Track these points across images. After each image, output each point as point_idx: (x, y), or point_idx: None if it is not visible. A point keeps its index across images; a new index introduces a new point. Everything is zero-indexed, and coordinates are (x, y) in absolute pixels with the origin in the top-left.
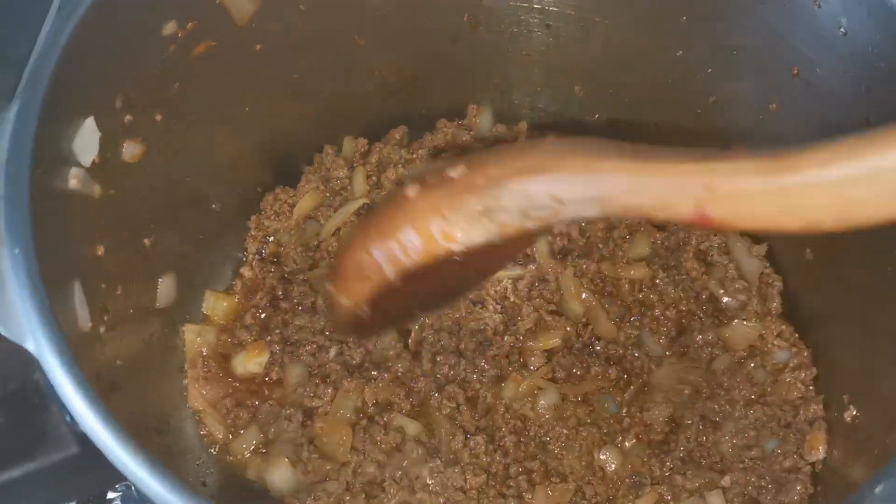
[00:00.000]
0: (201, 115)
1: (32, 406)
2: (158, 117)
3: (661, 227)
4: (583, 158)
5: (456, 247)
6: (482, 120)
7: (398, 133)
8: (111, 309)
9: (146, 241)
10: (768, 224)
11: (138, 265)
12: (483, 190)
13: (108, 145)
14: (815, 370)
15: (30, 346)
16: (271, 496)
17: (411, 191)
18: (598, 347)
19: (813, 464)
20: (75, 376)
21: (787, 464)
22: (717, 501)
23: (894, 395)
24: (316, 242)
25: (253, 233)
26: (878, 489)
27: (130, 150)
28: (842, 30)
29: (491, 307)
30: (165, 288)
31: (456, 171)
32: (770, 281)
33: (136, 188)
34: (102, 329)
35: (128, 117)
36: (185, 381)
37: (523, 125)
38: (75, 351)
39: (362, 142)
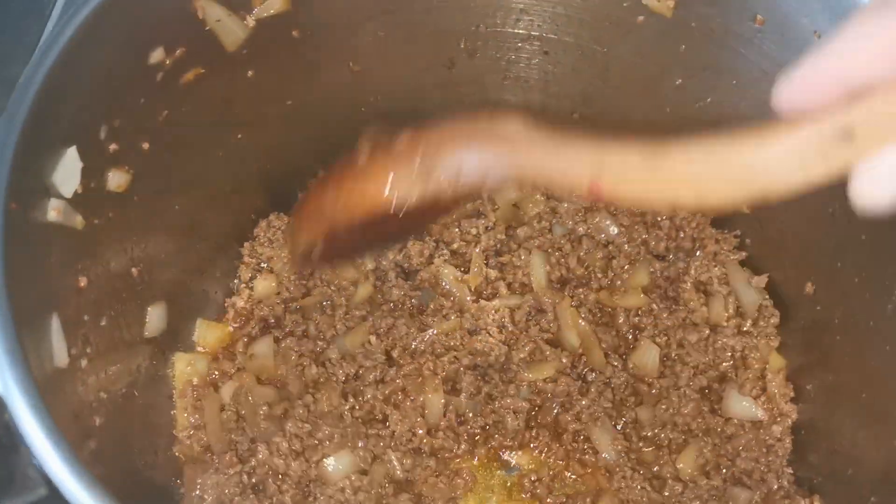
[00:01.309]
0: (191, 142)
1: (1, 446)
2: (146, 146)
3: (660, 257)
4: (505, 136)
5: (398, 201)
6: None
7: None
8: (94, 341)
9: (134, 271)
10: (643, 198)
11: (126, 295)
12: (423, 156)
13: (92, 175)
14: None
15: None
16: None
17: (362, 155)
18: (591, 378)
19: None
20: (42, 419)
21: None
22: None
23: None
24: (310, 270)
25: (246, 260)
26: None
27: (116, 180)
28: None
29: (493, 336)
30: (155, 317)
31: (402, 139)
32: (767, 314)
33: (123, 218)
34: (84, 362)
35: (113, 146)
36: (174, 412)
37: None
38: (47, 390)
39: None
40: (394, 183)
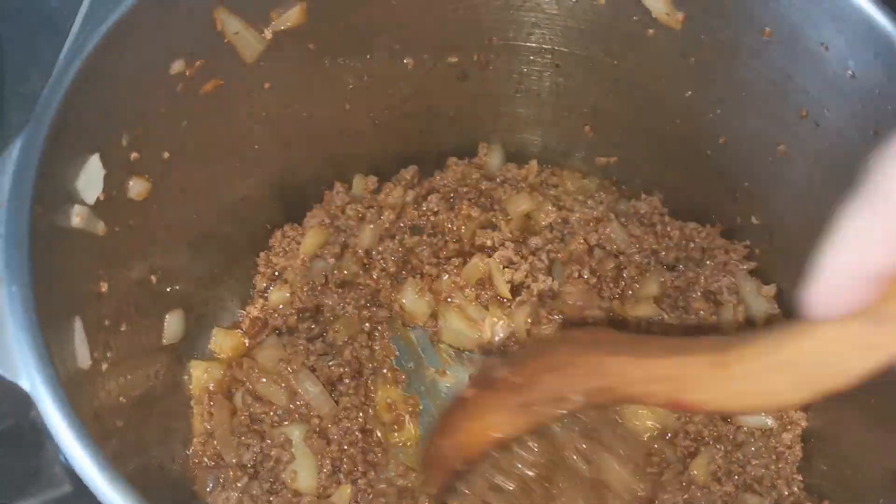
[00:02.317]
0: (209, 152)
1: (28, 443)
2: (166, 155)
3: (670, 267)
4: (594, 357)
5: (499, 435)
6: (492, 158)
7: (409, 173)
8: (115, 346)
9: (153, 278)
10: (721, 407)
11: (144, 302)
12: (521, 387)
13: (114, 183)
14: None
15: (24, 384)
16: None
17: (468, 393)
18: None
19: None
20: (68, 416)
21: None
22: None
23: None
24: (322, 281)
25: (261, 269)
26: None
27: (136, 188)
28: (849, 72)
29: None
30: (172, 324)
31: (500, 372)
32: (776, 323)
33: (143, 225)
34: (105, 366)
35: (134, 155)
36: (191, 418)
37: (534, 164)
38: (71, 390)
39: (372, 180)
40: (498, 424)
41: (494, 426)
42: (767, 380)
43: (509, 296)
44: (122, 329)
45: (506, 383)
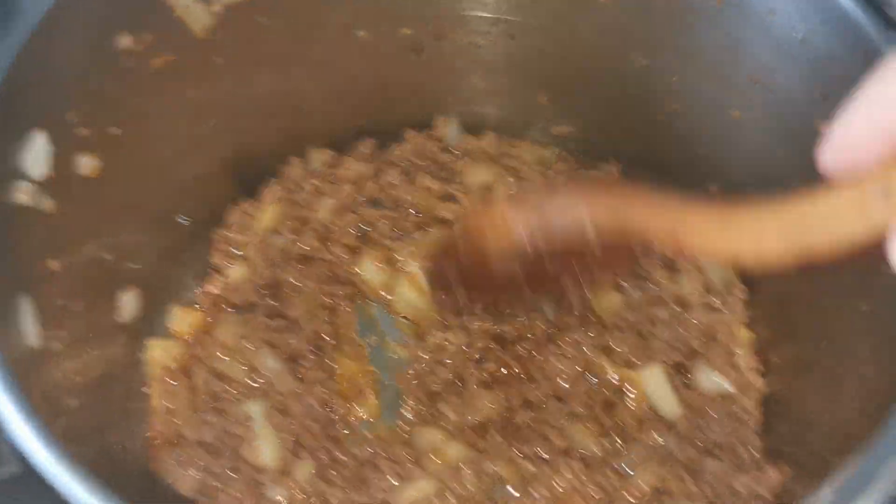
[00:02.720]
0: (162, 129)
1: None
2: (116, 131)
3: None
4: (605, 196)
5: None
6: (450, 130)
7: (366, 146)
8: (68, 325)
9: (107, 256)
10: (715, 253)
11: (99, 280)
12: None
13: (62, 159)
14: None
15: None
16: None
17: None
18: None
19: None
20: (13, 394)
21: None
22: None
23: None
24: (281, 257)
25: (219, 246)
26: None
27: (86, 165)
28: (799, 36)
29: None
30: (128, 303)
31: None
32: (736, 290)
33: (95, 203)
34: (58, 345)
35: (83, 131)
36: (150, 397)
37: (491, 136)
38: (18, 368)
39: (330, 154)
40: (516, 225)
41: (501, 237)
42: (765, 235)
43: None
44: (76, 308)
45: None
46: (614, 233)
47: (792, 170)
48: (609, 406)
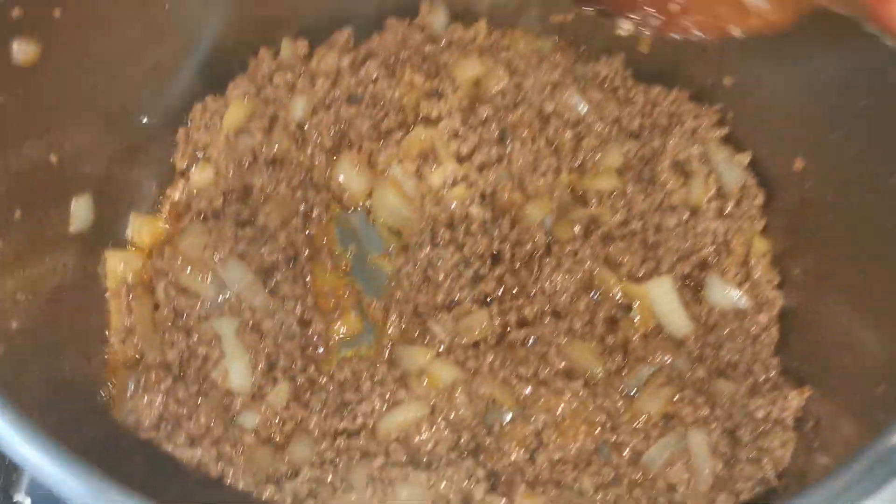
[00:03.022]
0: (111, 12)
1: None
2: (56, 14)
3: (634, 135)
4: None
5: None
6: (436, 17)
7: (343, 35)
8: (8, 236)
9: (52, 158)
10: None
11: (44, 185)
12: None
13: None
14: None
15: None
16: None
17: None
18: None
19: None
20: None
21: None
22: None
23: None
24: (250, 159)
25: (181, 147)
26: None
27: (23, 51)
28: None
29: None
30: (80, 210)
31: None
32: (751, 195)
33: (35, 97)
34: None
35: (16, 11)
36: (108, 312)
37: (483, 24)
38: None
39: (303, 44)
40: None
41: None
42: None
43: (458, 168)
44: (17, 216)
45: None
46: None
47: (823, 55)
48: (612, 323)
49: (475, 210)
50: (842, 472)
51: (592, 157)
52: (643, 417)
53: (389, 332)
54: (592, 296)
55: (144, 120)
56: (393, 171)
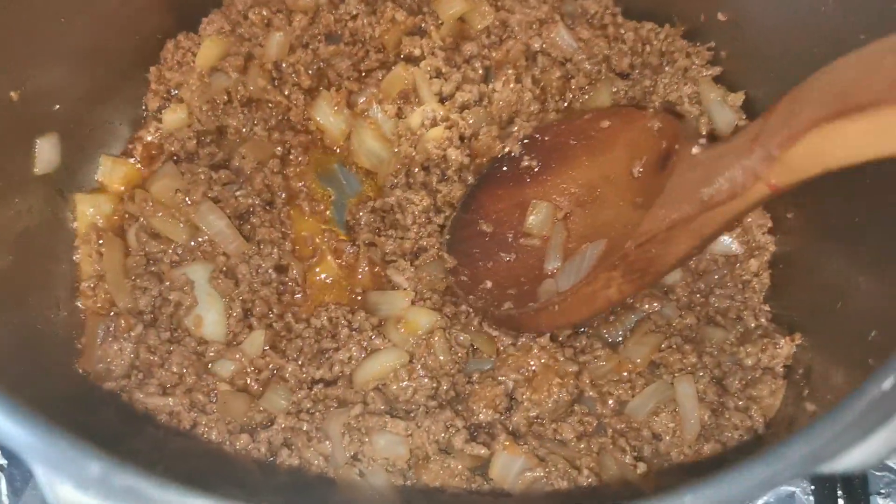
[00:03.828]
0: None
1: None
2: None
3: (624, 75)
4: None
5: None
6: None
7: None
8: None
9: (13, 95)
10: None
11: (4, 124)
12: None
13: None
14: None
15: None
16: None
17: None
18: None
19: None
20: None
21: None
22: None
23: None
24: (225, 99)
25: (153, 87)
26: (886, 383)
27: None
28: None
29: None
30: (45, 151)
31: None
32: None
33: None
34: None
35: None
36: (77, 258)
37: None
38: None
39: None
40: None
41: None
42: None
43: (438, 108)
44: None
45: None
46: None
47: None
48: None
49: (453, 153)
50: (831, 417)
51: (580, 97)
52: (629, 366)
53: (360, 278)
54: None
55: (113, 57)
56: (372, 112)
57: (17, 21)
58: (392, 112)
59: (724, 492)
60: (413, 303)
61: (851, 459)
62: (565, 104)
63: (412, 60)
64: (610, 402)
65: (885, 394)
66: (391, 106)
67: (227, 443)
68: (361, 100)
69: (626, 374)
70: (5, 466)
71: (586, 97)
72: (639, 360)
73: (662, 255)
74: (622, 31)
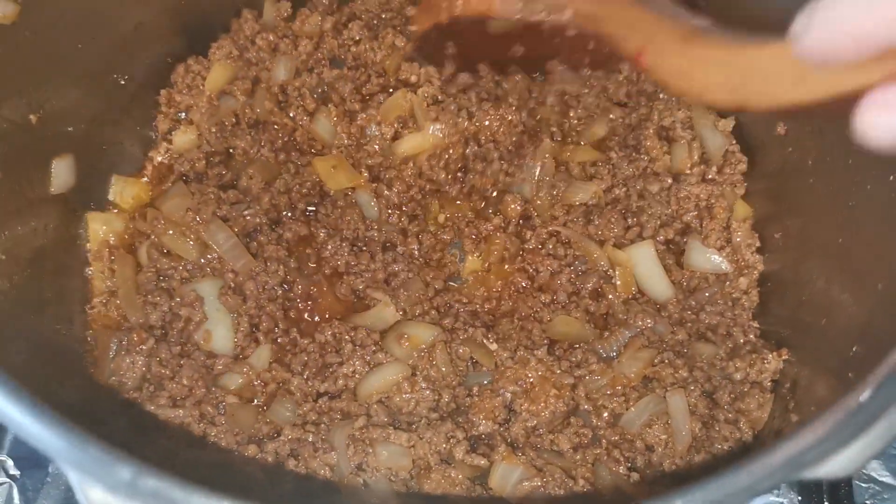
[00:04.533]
0: None
1: None
2: None
3: (621, 104)
4: None
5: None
6: None
7: None
8: None
9: (32, 118)
10: (672, 77)
11: (23, 145)
12: None
13: None
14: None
15: None
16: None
17: None
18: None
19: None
20: None
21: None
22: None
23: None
24: (233, 121)
25: (163, 109)
26: (864, 395)
27: (1, 9)
28: None
29: None
30: (61, 171)
31: None
32: (734, 160)
33: (14, 55)
34: None
35: None
36: (89, 272)
37: None
38: None
39: (285, 5)
40: None
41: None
42: (715, 69)
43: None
44: None
45: None
46: (589, 21)
47: None
48: (597, 295)
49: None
50: (813, 426)
51: (576, 126)
52: (623, 381)
53: (371, 294)
54: (577, 266)
55: (126, 81)
56: (370, 131)
57: (39, 47)
58: (390, 134)
59: (713, 494)
60: (415, 316)
61: (833, 466)
62: (560, 135)
63: (411, 86)
64: (605, 414)
65: (863, 405)
66: (389, 129)
67: (236, 452)
68: (361, 118)
69: (619, 387)
70: (18, 476)
71: (581, 128)
72: (632, 375)
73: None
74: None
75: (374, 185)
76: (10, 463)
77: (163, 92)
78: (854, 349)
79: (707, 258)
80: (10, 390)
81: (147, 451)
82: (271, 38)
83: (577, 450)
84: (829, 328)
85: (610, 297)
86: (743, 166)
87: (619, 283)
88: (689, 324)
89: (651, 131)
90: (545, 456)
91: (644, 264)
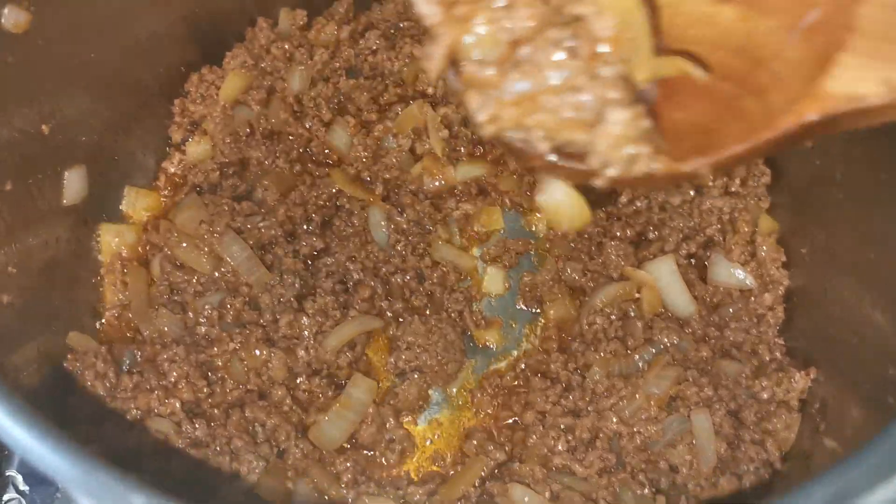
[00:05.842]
0: None
1: None
2: None
3: None
4: None
5: None
6: None
7: (342, 5)
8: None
9: (44, 128)
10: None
11: (36, 156)
12: None
13: None
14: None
15: None
16: None
17: None
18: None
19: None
20: None
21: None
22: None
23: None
24: (247, 131)
25: (177, 119)
26: None
27: (13, 18)
28: None
29: None
30: (74, 182)
31: None
32: (758, 173)
33: (26, 64)
34: None
35: None
36: (101, 288)
37: None
38: None
39: (301, 14)
40: None
41: None
42: None
43: (440, 155)
44: (8, 188)
45: None
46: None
47: None
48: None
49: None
50: (857, 458)
51: None
52: (650, 400)
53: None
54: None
55: (139, 90)
56: (387, 143)
57: (51, 56)
58: (406, 146)
59: None
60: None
61: (874, 499)
62: None
63: (429, 97)
64: (636, 438)
65: None
66: (405, 140)
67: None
68: (377, 128)
69: (652, 411)
70: (27, 493)
71: None
72: (659, 393)
73: None
74: None
75: (388, 206)
76: (19, 479)
77: (177, 101)
78: (890, 370)
79: (731, 273)
80: (23, 419)
81: (152, 463)
82: (287, 47)
83: (603, 475)
84: (860, 347)
85: (632, 315)
86: (766, 178)
87: (645, 305)
88: (713, 340)
89: None
90: (568, 481)
91: (665, 279)
